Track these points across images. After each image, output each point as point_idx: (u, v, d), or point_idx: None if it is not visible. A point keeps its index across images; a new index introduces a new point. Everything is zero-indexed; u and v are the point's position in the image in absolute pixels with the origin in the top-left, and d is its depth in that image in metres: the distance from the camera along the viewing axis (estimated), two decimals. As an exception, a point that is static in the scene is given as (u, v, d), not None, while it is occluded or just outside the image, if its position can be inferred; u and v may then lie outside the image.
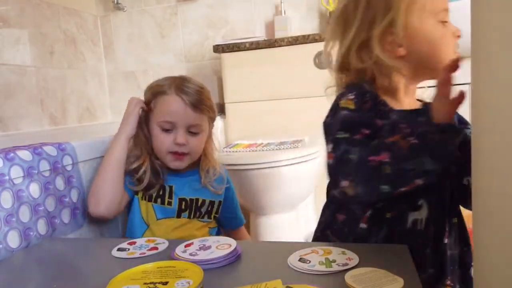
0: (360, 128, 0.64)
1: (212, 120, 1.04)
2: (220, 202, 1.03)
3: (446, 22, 0.68)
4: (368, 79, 0.71)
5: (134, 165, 0.97)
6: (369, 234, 0.68)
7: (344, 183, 0.61)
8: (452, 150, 0.58)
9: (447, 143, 0.58)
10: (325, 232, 0.76)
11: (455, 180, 0.69)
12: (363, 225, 0.69)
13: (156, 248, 0.71)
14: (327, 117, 0.70)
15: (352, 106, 0.66)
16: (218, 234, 1.06)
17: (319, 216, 0.79)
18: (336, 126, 0.66)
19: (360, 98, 0.67)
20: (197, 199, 1.00)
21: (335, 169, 0.64)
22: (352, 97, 0.67)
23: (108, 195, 0.92)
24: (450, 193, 0.69)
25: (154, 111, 0.98)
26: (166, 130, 0.97)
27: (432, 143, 0.58)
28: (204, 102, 0.98)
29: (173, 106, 0.96)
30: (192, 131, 0.97)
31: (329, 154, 0.65)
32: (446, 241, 0.69)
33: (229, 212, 1.08)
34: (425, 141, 0.58)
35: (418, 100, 0.76)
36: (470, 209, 0.51)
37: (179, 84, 0.97)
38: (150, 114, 0.99)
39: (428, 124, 0.60)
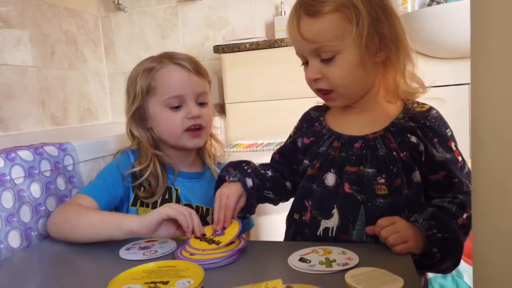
0: None
1: (210, 85, 0.95)
2: None
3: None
4: None
5: (139, 168, 0.86)
6: None
7: None
8: None
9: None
10: None
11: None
12: None
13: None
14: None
15: None
16: None
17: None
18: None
19: None
20: (202, 208, 0.90)
21: None
22: None
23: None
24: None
25: (156, 92, 0.87)
26: (175, 108, 0.86)
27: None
28: (201, 65, 0.91)
29: (177, 77, 0.86)
30: (201, 101, 0.89)
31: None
32: None
33: None
34: None
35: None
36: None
37: (169, 55, 0.89)
38: (149, 100, 0.88)
39: None
